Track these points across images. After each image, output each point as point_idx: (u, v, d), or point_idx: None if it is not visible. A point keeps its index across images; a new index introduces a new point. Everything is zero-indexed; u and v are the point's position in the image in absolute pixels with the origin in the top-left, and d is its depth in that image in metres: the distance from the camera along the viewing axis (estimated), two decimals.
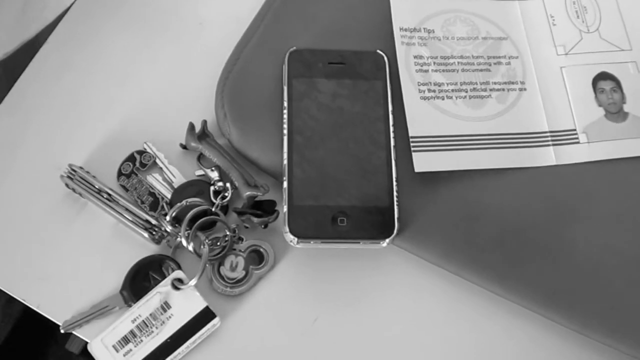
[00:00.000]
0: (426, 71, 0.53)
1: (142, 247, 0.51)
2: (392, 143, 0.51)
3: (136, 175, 0.52)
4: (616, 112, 0.55)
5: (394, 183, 0.50)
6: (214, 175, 0.52)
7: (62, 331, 0.49)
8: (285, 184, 0.49)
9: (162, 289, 0.49)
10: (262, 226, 0.50)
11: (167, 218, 0.50)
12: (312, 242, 0.48)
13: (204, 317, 0.49)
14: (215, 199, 0.51)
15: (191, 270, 0.49)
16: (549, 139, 0.54)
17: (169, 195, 0.52)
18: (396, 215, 0.49)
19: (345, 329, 0.50)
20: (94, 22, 0.57)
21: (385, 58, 0.53)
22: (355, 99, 0.52)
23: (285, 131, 0.50)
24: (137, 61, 0.56)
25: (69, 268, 0.50)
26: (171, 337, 0.48)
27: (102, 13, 0.58)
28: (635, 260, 0.51)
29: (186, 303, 0.49)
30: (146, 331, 0.48)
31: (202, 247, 0.50)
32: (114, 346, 0.48)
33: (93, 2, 0.58)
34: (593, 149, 0.54)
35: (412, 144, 0.51)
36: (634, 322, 0.49)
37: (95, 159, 0.53)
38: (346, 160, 0.50)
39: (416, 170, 0.50)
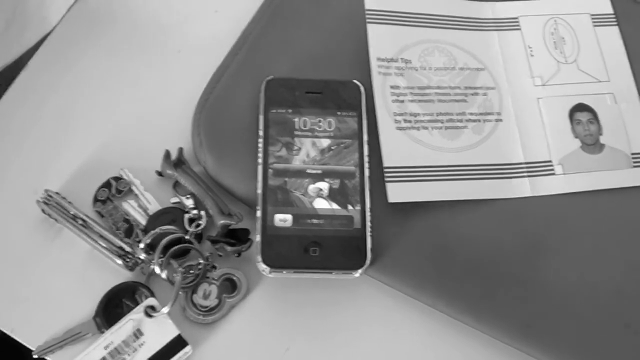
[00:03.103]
0: (402, 101, 0.54)
1: (116, 273, 0.51)
2: (367, 173, 0.51)
3: (112, 201, 0.52)
4: (592, 144, 0.55)
5: (368, 213, 0.50)
6: (189, 202, 0.52)
7: (35, 356, 0.49)
8: (259, 213, 0.49)
9: (134, 316, 0.49)
10: (236, 255, 0.51)
11: (141, 245, 0.50)
12: (284, 272, 0.49)
13: (176, 345, 0.49)
14: (190, 227, 0.51)
15: (164, 298, 0.49)
16: (525, 170, 0.54)
17: (144, 222, 0.52)
18: (369, 246, 0.49)
19: (317, 359, 0.50)
20: (74, 48, 0.58)
21: (362, 88, 0.54)
22: (331, 128, 0.52)
23: (260, 160, 0.51)
24: (116, 87, 0.57)
25: (43, 293, 0.51)
26: None
27: (82, 39, 0.58)
28: (608, 293, 0.51)
29: (158, 330, 0.49)
30: (118, 358, 0.48)
31: (175, 274, 0.50)
32: None
33: (74, 27, 0.59)
34: (569, 180, 0.54)
35: (386, 175, 0.51)
36: (605, 356, 0.49)
37: (71, 184, 0.53)
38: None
39: (390, 200, 0.50)
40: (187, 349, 0.48)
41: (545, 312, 0.50)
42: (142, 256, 0.50)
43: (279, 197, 0.50)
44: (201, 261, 0.50)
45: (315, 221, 0.49)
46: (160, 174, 0.53)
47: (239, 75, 0.54)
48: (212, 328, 0.50)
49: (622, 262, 0.52)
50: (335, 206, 0.50)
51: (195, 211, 0.51)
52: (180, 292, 0.50)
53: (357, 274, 0.49)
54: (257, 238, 0.49)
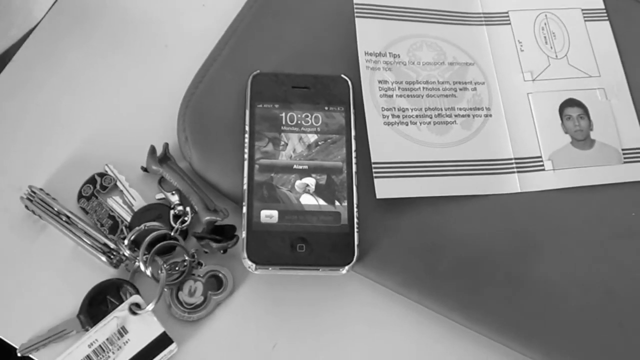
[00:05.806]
0: (390, 96, 0.53)
1: (101, 270, 0.50)
2: (354, 169, 0.50)
3: (96, 197, 0.52)
4: (583, 140, 0.54)
5: (355, 209, 0.49)
6: (174, 199, 0.51)
7: (19, 354, 0.49)
8: (244, 209, 0.49)
9: (119, 314, 0.48)
10: (221, 251, 0.50)
11: (125, 242, 0.49)
12: (270, 269, 0.48)
13: (161, 342, 0.48)
14: (175, 223, 0.51)
15: (149, 295, 0.49)
16: (514, 166, 0.53)
17: (129, 219, 0.51)
18: (356, 242, 0.49)
19: (305, 356, 0.49)
20: (59, 42, 0.57)
21: (350, 83, 0.53)
22: (318, 123, 0.51)
23: (245, 155, 0.50)
24: (101, 82, 0.56)
25: (26, 290, 0.50)
26: None
27: (68, 33, 0.57)
28: (598, 290, 0.50)
29: (143, 328, 0.48)
30: (103, 356, 0.47)
31: (160, 271, 0.49)
32: None
33: (59, 22, 0.58)
34: (559, 176, 0.53)
35: (374, 170, 0.51)
36: (594, 353, 0.49)
37: (56, 180, 0.53)
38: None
39: (378, 196, 0.50)
40: (173, 346, 0.48)
41: (534, 309, 0.50)
42: (127, 253, 0.50)
43: (265, 193, 0.49)
44: (186, 258, 0.50)
45: (301, 217, 0.49)
46: (145, 169, 0.52)
47: (226, 70, 0.53)
48: (198, 325, 0.50)
49: (611, 259, 0.52)
50: (322, 202, 0.49)
51: (180, 207, 0.51)
52: (165, 289, 0.49)
53: (344, 270, 0.48)
54: (243, 234, 0.48)
